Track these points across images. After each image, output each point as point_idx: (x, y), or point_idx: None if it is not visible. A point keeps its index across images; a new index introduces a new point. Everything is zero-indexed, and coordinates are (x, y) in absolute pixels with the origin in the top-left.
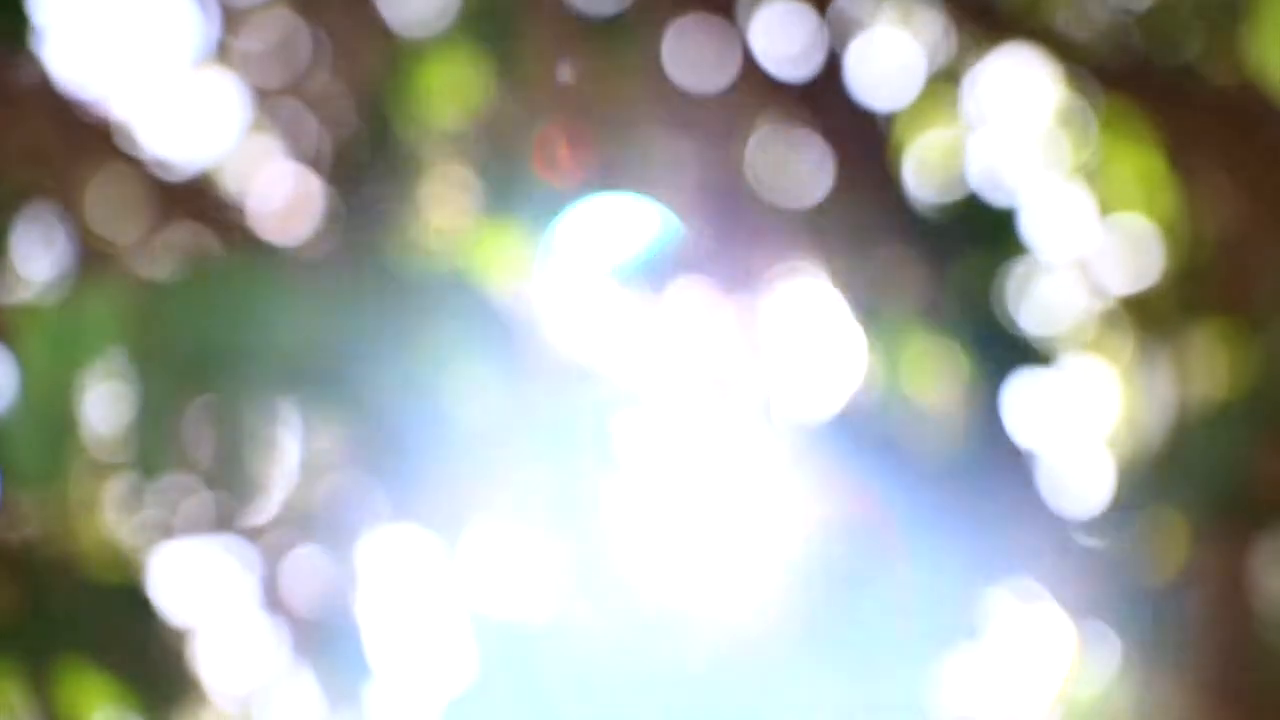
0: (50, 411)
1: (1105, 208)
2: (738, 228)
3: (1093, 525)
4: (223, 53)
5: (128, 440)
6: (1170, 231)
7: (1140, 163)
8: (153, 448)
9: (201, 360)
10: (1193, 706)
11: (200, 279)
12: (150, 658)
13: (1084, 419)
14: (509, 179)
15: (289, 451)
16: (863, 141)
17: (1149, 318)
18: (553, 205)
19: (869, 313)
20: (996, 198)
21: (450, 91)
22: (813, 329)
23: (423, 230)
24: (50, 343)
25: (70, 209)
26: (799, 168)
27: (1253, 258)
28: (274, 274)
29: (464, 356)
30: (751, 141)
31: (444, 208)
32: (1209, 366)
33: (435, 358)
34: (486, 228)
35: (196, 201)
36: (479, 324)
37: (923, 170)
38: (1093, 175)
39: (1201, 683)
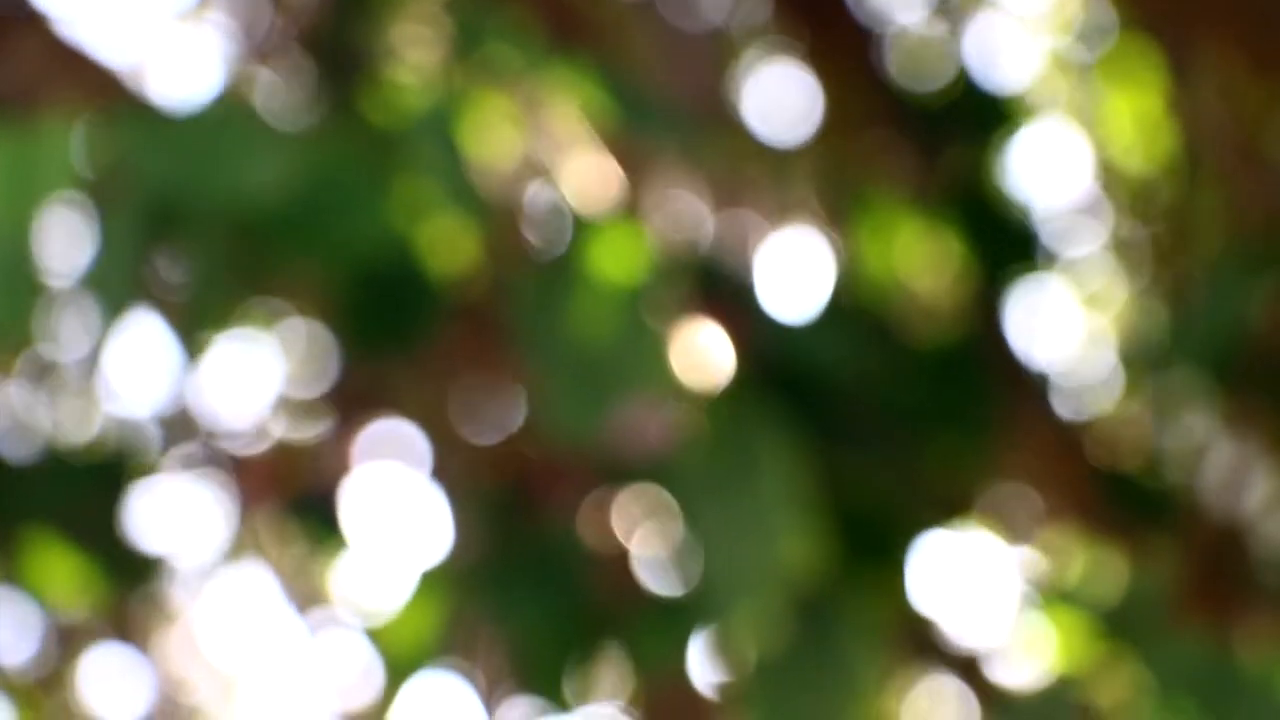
0: (6, 251)
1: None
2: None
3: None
4: None
5: (88, 290)
6: (1169, 173)
7: (1139, 103)
8: (115, 299)
9: (167, 207)
10: (1180, 598)
11: (167, 121)
12: (117, 533)
13: (1080, 308)
14: (486, 32)
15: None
16: (859, 43)
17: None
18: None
19: (861, 199)
20: (991, 86)
21: None
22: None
23: (397, 82)
24: (4, 174)
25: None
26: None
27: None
28: (244, 120)
29: (439, 208)
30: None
31: (419, 60)
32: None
33: (410, 209)
34: (462, 80)
35: None
36: (454, 176)
37: (917, 61)
38: (1089, 117)
39: (1192, 575)
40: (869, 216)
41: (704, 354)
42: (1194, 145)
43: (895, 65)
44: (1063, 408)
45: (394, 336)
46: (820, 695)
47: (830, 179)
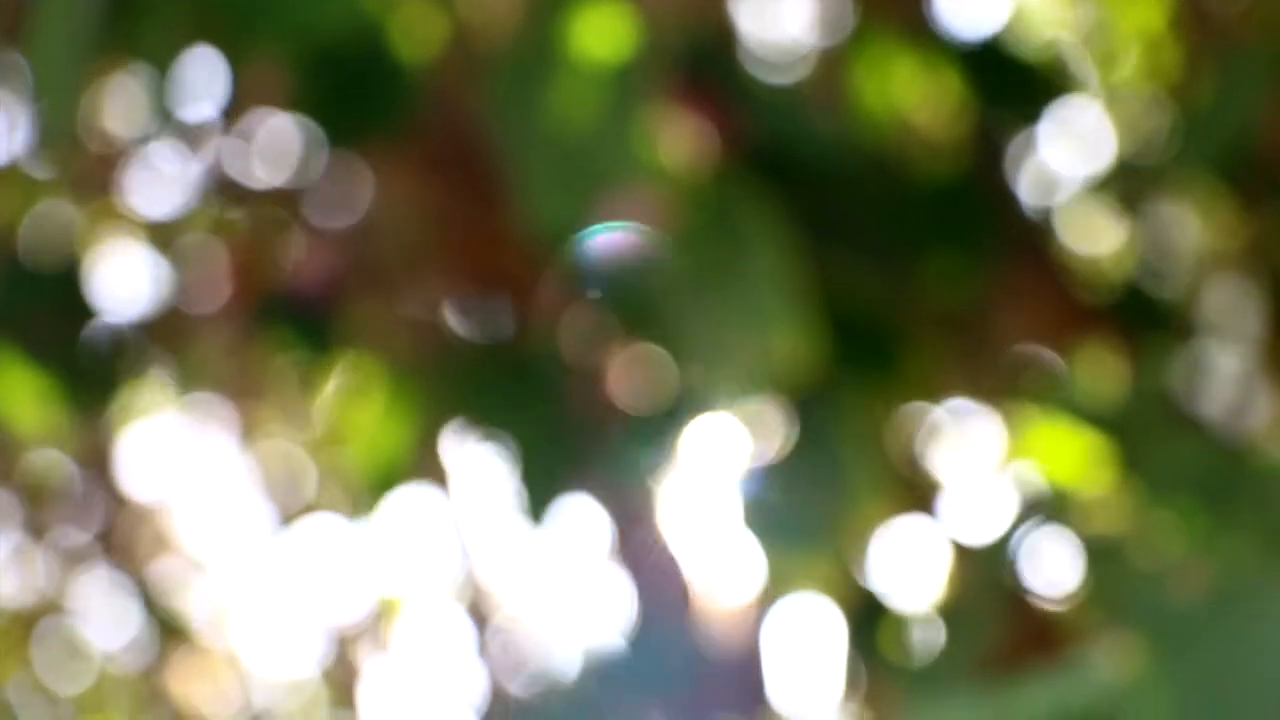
0: None
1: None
2: None
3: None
4: None
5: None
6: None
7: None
8: (61, 99)
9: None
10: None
11: None
12: (83, 349)
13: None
14: None
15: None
16: None
17: None
18: None
19: (857, 34)
20: None
21: None
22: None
23: None
24: None
25: None
26: None
27: None
28: None
29: None
30: None
31: None
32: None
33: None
34: None
35: None
36: None
37: None
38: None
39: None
40: (866, 52)
41: (691, 140)
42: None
43: None
44: (1060, 237)
45: (364, 123)
46: (812, 497)
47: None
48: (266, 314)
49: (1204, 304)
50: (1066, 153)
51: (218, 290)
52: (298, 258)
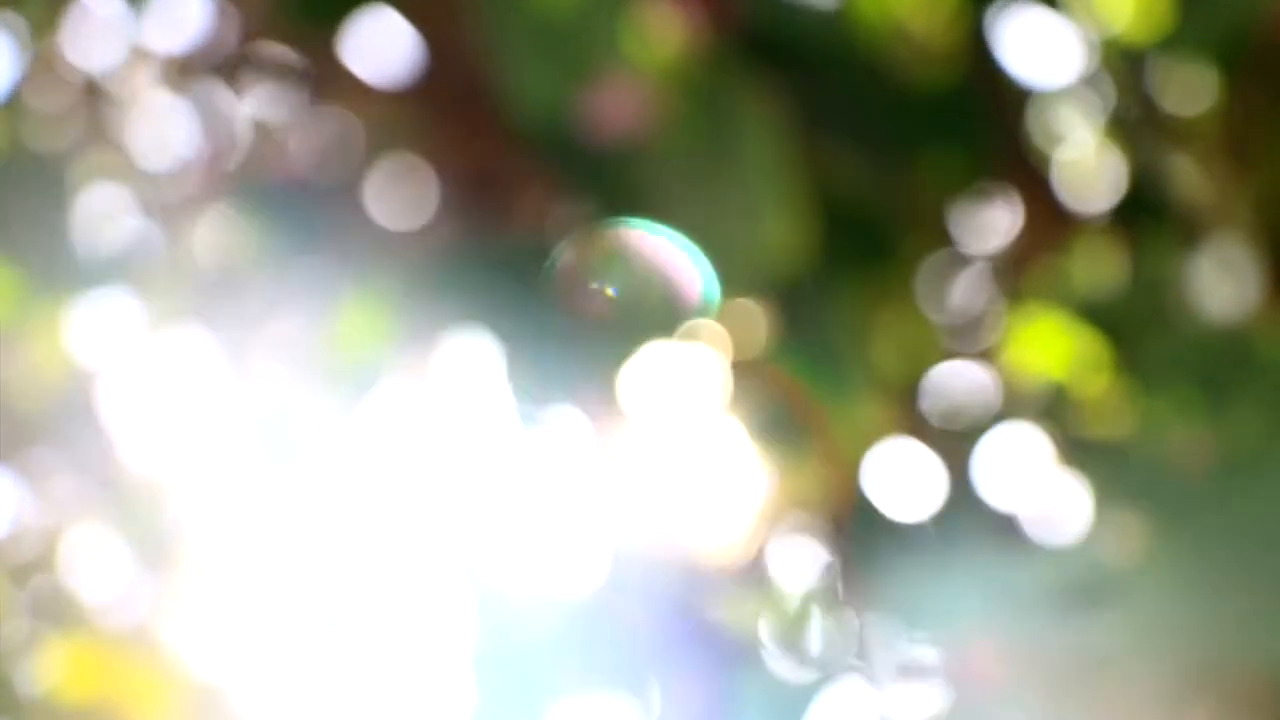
0: None
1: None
2: None
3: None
4: None
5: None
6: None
7: None
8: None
9: None
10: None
11: None
12: (54, 240)
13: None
14: None
15: None
16: None
17: None
18: None
19: None
20: None
21: None
22: None
23: None
24: None
25: None
26: None
27: None
28: None
29: None
30: None
31: None
32: None
33: None
34: None
35: None
36: None
37: None
38: None
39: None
40: None
41: (681, 25)
42: None
43: None
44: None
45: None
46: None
47: None
48: (243, 202)
49: (1202, 205)
50: (1061, 63)
51: (194, 180)
52: (275, 147)
